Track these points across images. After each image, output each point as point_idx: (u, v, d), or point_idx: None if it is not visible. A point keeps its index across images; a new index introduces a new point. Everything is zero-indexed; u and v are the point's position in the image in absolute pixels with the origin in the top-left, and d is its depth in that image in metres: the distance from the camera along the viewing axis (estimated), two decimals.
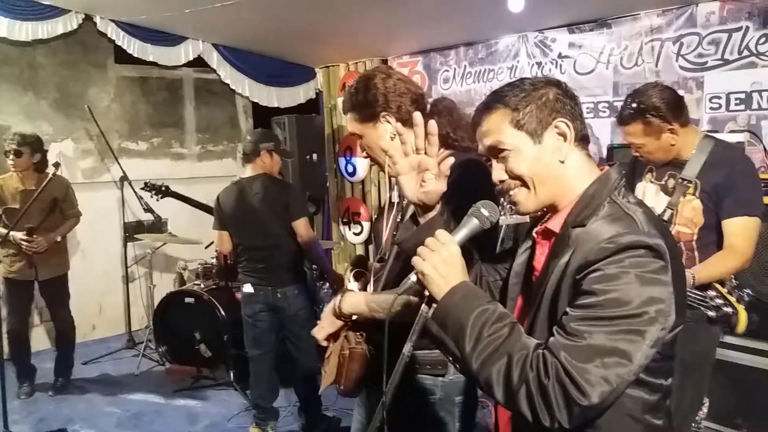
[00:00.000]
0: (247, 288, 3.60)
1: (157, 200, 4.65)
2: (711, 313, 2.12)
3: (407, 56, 5.66)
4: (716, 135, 3.61)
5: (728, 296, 2.12)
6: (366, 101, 1.82)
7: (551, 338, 1.13)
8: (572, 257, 1.18)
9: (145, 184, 4.62)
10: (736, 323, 2.11)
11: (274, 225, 3.50)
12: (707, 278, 2.26)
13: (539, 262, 1.33)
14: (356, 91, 1.85)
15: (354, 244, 6.19)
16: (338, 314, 1.81)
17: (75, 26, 5.08)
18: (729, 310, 2.10)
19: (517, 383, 1.10)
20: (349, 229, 6.17)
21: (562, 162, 1.27)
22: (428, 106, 1.90)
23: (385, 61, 5.80)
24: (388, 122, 1.82)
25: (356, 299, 1.80)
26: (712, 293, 2.11)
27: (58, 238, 4.33)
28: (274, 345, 3.67)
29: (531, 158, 1.26)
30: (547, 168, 1.27)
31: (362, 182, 6.13)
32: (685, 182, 2.39)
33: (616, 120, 2.49)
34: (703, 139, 2.45)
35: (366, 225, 5.99)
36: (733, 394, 3.27)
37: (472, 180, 1.63)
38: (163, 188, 4.57)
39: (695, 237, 2.37)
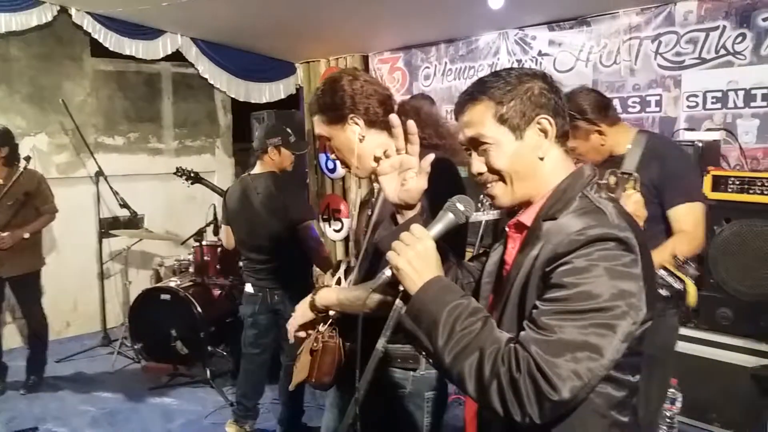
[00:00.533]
0: (248, 288, 3.54)
1: (188, 186, 4.57)
2: (663, 293, 2.13)
3: (388, 52, 5.65)
4: (694, 133, 3.67)
5: (676, 271, 2.15)
6: (333, 103, 1.81)
7: (522, 332, 1.12)
8: (542, 250, 1.17)
9: (177, 169, 4.55)
10: (686, 296, 2.13)
11: (272, 227, 3.38)
12: (661, 264, 2.30)
13: (510, 256, 1.32)
14: (323, 93, 1.84)
15: (334, 241, 6.16)
16: (312, 307, 1.81)
17: (50, 18, 5.00)
18: (679, 286, 2.11)
19: (488, 377, 1.09)
20: (329, 226, 6.15)
21: (542, 159, 1.26)
22: (396, 107, 1.89)
23: (366, 57, 5.78)
24: (356, 124, 1.81)
25: (328, 293, 1.81)
26: (662, 272, 2.13)
27: (26, 235, 4.21)
28: (270, 346, 3.61)
29: (511, 153, 1.25)
30: (526, 164, 1.26)
31: (342, 179, 6.11)
32: (625, 176, 2.43)
33: None
34: (637, 134, 2.54)
35: (346, 222, 5.97)
36: (706, 390, 3.31)
37: (439, 178, 1.62)
38: (193, 174, 4.49)
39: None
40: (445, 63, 5.20)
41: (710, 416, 3.32)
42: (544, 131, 1.25)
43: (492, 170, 1.27)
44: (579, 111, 2.43)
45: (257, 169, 3.52)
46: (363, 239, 1.89)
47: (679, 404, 3.09)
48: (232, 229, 3.60)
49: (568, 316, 1.08)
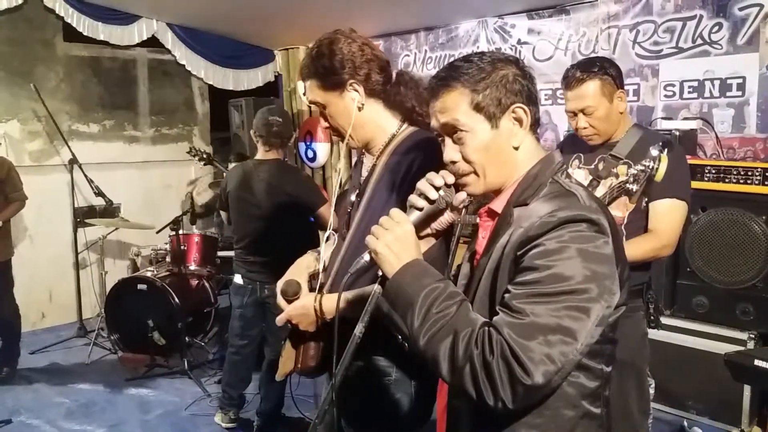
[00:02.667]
0: (237, 279, 3.45)
1: (202, 167, 4.50)
2: (633, 187, 2.02)
3: None
4: (671, 122, 3.69)
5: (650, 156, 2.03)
6: (332, 67, 1.68)
7: (496, 316, 1.11)
8: (512, 234, 1.17)
9: (191, 149, 4.47)
10: (656, 173, 2.00)
11: (273, 218, 3.26)
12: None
13: (480, 245, 1.31)
14: (319, 55, 1.70)
15: None
16: (320, 317, 1.69)
17: (20, 1, 4.85)
18: (652, 164, 1.98)
19: (461, 360, 1.08)
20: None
21: (516, 148, 1.25)
22: (393, 76, 1.80)
23: None
24: (356, 91, 1.70)
25: (334, 300, 1.65)
26: (630, 171, 2.03)
27: None
28: (256, 338, 3.55)
29: (486, 142, 1.24)
30: (500, 153, 1.25)
31: (323, 168, 6.07)
32: (613, 159, 2.33)
33: (565, 84, 2.35)
34: (633, 125, 2.44)
35: None
36: (683, 377, 3.35)
37: (438, 159, 1.58)
38: (205, 155, 4.40)
39: (625, 220, 2.31)
40: (425, 51, 5.17)
41: (686, 404, 3.37)
42: (519, 120, 1.24)
43: (467, 160, 1.26)
44: (611, 66, 2.33)
45: (261, 155, 3.38)
46: (349, 221, 1.81)
47: (652, 391, 3.11)
48: (229, 216, 3.49)
49: (541, 298, 1.07)
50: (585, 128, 2.35)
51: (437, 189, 1.30)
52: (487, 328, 1.09)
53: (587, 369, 1.17)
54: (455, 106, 1.24)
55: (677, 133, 3.39)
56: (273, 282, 3.27)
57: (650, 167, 1.99)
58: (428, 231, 1.42)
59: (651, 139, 2.33)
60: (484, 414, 1.08)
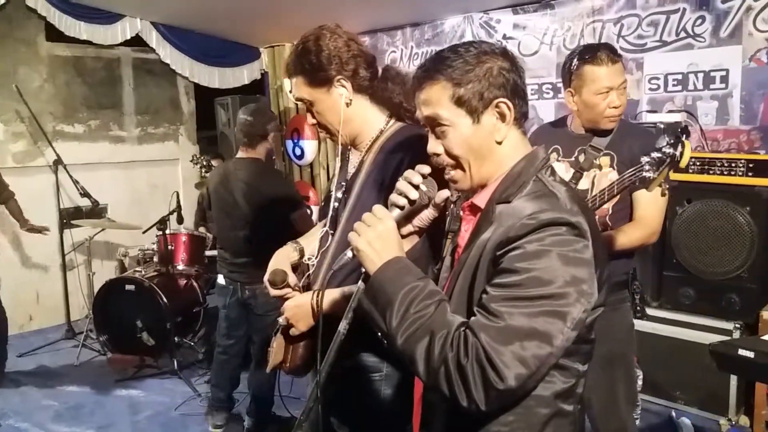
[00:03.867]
0: (220, 279, 3.45)
1: (202, 174, 4.51)
2: (650, 174, 2.00)
3: None
4: (656, 115, 3.70)
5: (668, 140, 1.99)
6: (319, 64, 1.67)
7: (473, 318, 1.11)
8: (494, 233, 1.16)
9: (193, 156, 4.56)
10: (680, 159, 1.96)
11: (251, 219, 3.24)
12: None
13: (463, 239, 1.31)
14: (305, 51, 1.69)
15: None
16: (314, 312, 1.68)
17: (1, 1, 4.80)
18: (672, 150, 1.95)
19: (437, 362, 1.09)
20: None
21: (499, 143, 1.24)
22: (380, 71, 1.79)
23: None
24: (344, 86, 1.70)
25: (333, 295, 1.67)
26: (644, 158, 2.00)
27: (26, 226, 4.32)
28: (243, 337, 3.54)
29: (468, 137, 1.23)
30: (483, 148, 1.24)
31: (310, 165, 6.06)
32: (593, 149, 2.33)
33: (597, 61, 2.26)
34: None
35: (315, 209, 5.91)
36: (670, 368, 3.38)
37: (426, 155, 1.58)
38: (206, 162, 4.41)
39: (609, 211, 2.33)
40: (411, 47, 5.17)
41: (674, 394, 3.40)
42: (502, 115, 1.23)
43: (449, 154, 1.26)
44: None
45: (239, 154, 3.37)
46: (336, 218, 1.80)
47: (640, 382, 3.13)
48: (213, 217, 3.50)
49: (519, 302, 1.07)
50: (619, 106, 2.29)
51: (416, 187, 1.30)
52: (462, 331, 1.09)
53: (563, 368, 1.17)
54: (437, 99, 1.23)
55: (662, 126, 3.40)
56: (253, 283, 3.29)
57: (670, 154, 1.99)
58: (410, 228, 1.41)
59: (629, 129, 2.36)
60: (457, 409, 1.08)
